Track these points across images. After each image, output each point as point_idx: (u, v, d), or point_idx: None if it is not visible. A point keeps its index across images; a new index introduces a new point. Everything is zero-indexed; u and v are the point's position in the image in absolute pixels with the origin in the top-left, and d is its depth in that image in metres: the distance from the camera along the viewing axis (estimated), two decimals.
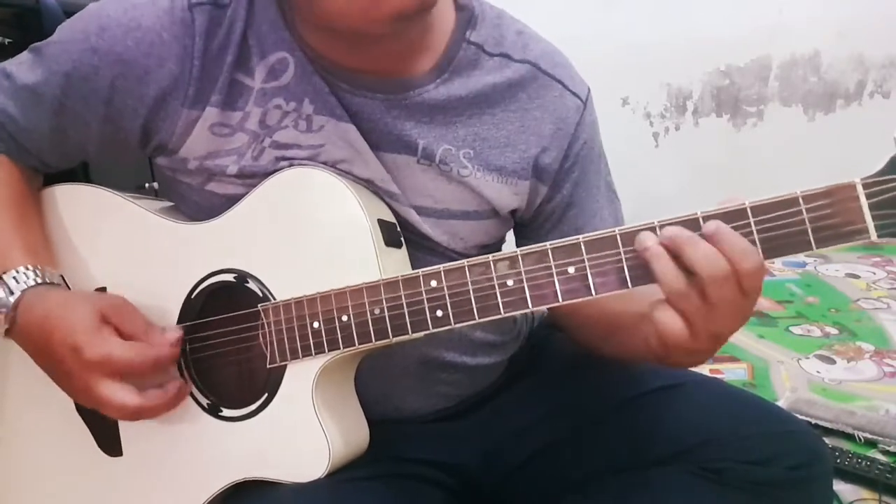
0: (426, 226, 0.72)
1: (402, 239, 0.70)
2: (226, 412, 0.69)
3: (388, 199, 0.71)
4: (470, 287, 0.60)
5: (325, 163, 0.70)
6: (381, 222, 0.67)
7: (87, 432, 0.73)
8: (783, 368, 1.57)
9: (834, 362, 1.59)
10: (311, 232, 0.67)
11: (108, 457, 0.72)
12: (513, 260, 0.59)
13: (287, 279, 0.67)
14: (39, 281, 0.67)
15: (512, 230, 0.82)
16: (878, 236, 0.50)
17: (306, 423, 0.65)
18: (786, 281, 2.12)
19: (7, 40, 1.14)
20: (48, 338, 0.64)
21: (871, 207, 0.50)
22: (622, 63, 2.28)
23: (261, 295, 0.68)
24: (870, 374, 1.53)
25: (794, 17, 2.25)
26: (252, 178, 0.70)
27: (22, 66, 0.72)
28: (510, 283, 0.59)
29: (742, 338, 1.73)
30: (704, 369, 1.59)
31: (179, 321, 0.70)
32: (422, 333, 0.62)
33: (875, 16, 2.23)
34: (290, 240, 0.67)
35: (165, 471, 0.70)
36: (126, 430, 0.71)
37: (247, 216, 0.69)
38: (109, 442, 0.72)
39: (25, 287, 0.66)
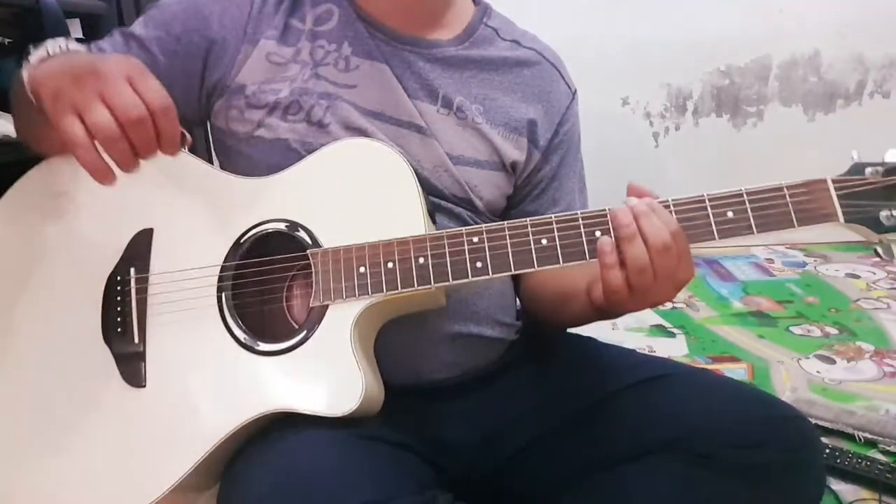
0: (450, 164, 0.81)
1: (435, 215, 0.77)
2: (262, 346, 0.71)
3: (418, 134, 0.81)
4: (508, 242, 0.68)
5: (356, 102, 0.79)
6: (425, 195, 0.74)
7: (112, 362, 0.73)
8: (783, 368, 1.57)
9: (834, 362, 1.59)
10: (363, 191, 0.73)
11: (131, 387, 0.72)
12: (547, 223, 0.68)
13: (336, 232, 0.72)
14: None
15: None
16: (845, 221, 0.66)
17: (343, 359, 0.68)
18: (786, 281, 2.12)
19: (7, 40, 1.14)
20: (77, 57, 0.65)
21: (840, 198, 0.65)
22: (622, 63, 2.28)
23: (310, 243, 0.73)
24: (870, 374, 1.53)
25: (794, 17, 2.25)
26: (303, 97, 0.78)
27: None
28: (544, 241, 0.68)
29: (742, 337, 1.73)
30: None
31: (226, 261, 0.74)
32: (462, 280, 0.69)
33: (875, 16, 2.23)
34: (342, 199, 0.73)
35: (191, 401, 0.71)
36: (152, 361, 0.73)
37: (301, 175, 0.75)
38: (133, 371, 0.73)
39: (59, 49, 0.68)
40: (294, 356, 0.70)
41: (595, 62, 2.19)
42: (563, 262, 0.68)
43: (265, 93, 0.79)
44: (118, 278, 0.76)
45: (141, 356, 0.73)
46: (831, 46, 2.28)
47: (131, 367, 0.73)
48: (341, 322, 0.70)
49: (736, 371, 1.56)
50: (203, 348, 0.72)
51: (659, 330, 1.82)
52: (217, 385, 0.71)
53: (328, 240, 0.72)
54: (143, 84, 0.61)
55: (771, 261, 2.29)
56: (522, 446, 0.82)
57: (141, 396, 0.72)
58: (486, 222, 0.84)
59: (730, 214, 0.67)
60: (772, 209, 0.66)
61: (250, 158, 0.80)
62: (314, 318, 0.71)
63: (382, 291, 0.69)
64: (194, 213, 0.76)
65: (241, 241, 0.75)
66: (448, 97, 0.82)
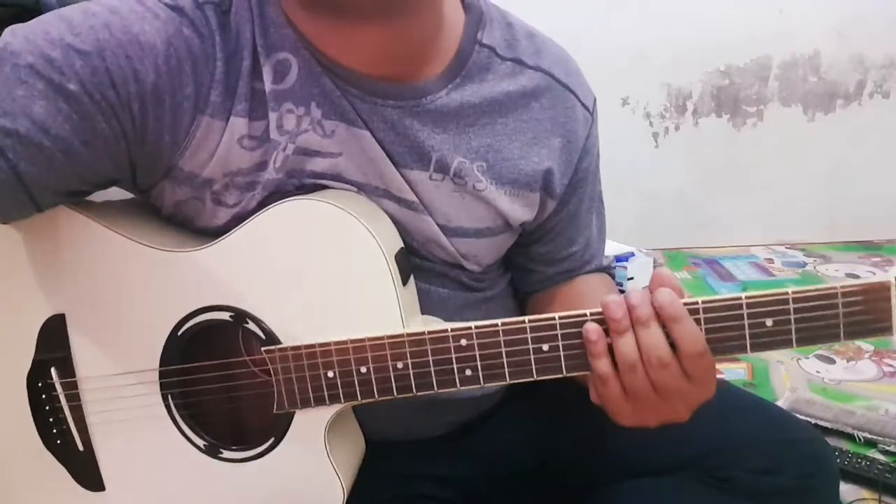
0: (444, 240, 0.69)
1: (411, 265, 0.67)
2: (227, 454, 0.65)
3: (408, 210, 0.67)
4: (504, 349, 0.58)
5: (343, 176, 0.65)
6: (396, 257, 0.62)
7: (63, 470, 0.68)
8: (783, 368, 1.57)
9: (834, 362, 1.59)
10: (321, 270, 0.61)
11: (90, 492, 0.68)
12: (550, 324, 0.57)
13: (292, 321, 0.61)
14: None
15: None
16: None
17: (318, 466, 0.63)
18: (786, 281, 2.12)
19: None
20: None
21: None
22: (622, 63, 2.28)
23: (264, 338, 0.62)
24: (869, 373, 1.53)
25: (794, 17, 2.24)
26: (286, 185, 0.63)
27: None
28: (545, 347, 0.57)
29: None
30: None
31: (163, 361, 0.64)
32: (449, 390, 0.59)
33: (875, 16, 2.23)
34: (295, 278, 0.61)
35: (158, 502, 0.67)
36: (105, 463, 0.67)
37: (244, 247, 0.62)
38: (88, 476, 0.67)
39: None
40: (266, 462, 0.64)
41: (595, 62, 2.18)
42: (567, 373, 0.58)
43: (239, 188, 0.63)
44: (39, 384, 0.66)
45: (91, 460, 0.67)
46: (831, 47, 2.28)
47: (85, 471, 0.67)
48: (312, 429, 0.63)
49: (735, 371, 1.56)
50: (161, 453, 0.65)
51: None
52: (183, 493, 0.66)
53: (284, 332, 0.61)
54: None
55: (771, 261, 2.29)
56: (533, 467, 0.79)
57: (104, 500, 0.67)
58: (482, 280, 0.77)
59: (769, 324, 0.55)
60: (818, 321, 0.54)
61: (198, 220, 0.65)
62: (281, 423, 0.63)
63: (357, 399, 0.60)
64: (116, 297, 0.63)
65: (179, 333, 0.63)
66: (442, 160, 0.67)
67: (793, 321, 0.55)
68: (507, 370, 0.58)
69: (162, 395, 0.64)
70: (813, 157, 2.33)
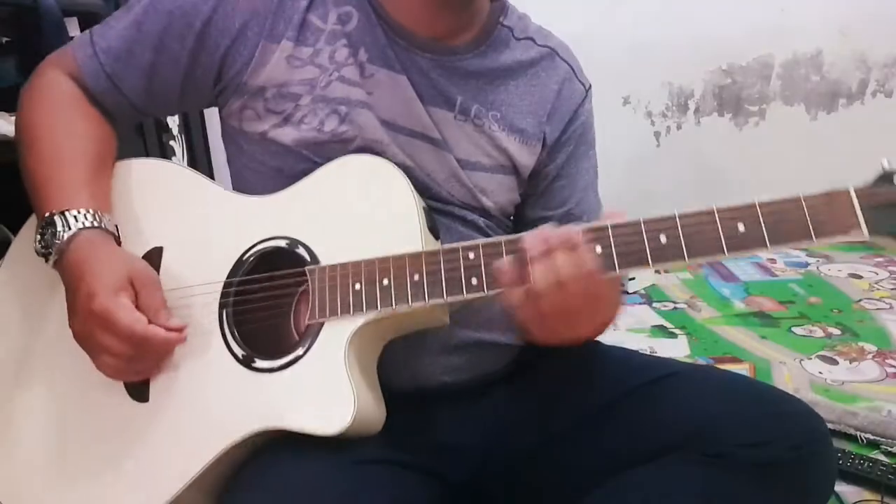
0: (462, 174, 0.80)
1: (438, 229, 0.77)
2: (259, 363, 0.71)
3: (431, 145, 0.79)
4: (505, 259, 0.65)
5: (375, 109, 0.78)
6: (426, 210, 0.74)
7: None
8: (785, 369, 1.56)
9: (836, 363, 1.58)
10: (362, 210, 0.74)
11: (136, 402, 0.73)
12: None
13: (336, 249, 0.72)
14: (96, 224, 0.73)
15: None
16: (870, 234, 0.60)
17: (336, 377, 0.68)
18: (788, 281, 2.12)
19: (5, 39, 1.14)
20: (79, 278, 0.69)
21: (863, 209, 0.60)
22: (624, 62, 2.27)
23: (309, 260, 0.73)
24: (872, 374, 1.53)
25: (796, 16, 2.24)
26: (319, 105, 0.77)
27: (125, 13, 0.80)
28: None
29: (744, 338, 1.73)
30: None
31: (229, 277, 0.74)
32: (456, 297, 0.67)
33: (877, 15, 2.22)
34: (342, 216, 0.74)
35: (189, 417, 0.71)
36: (157, 377, 0.73)
37: (303, 193, 0.76)
38: (138, 388, 0.73)
39: (82, 226, 0.72)
40: (289, 373, 0.69)
41: (596, 61, 2.17)
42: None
43: (284, 98, 0.77)
44: None
45: None
46: (833, 45, 2.28)
47: (136, 382, 0.73)
48: (336, 340, 0.69)
49: (738, 371, 1.56)
50: (203, 364, 0.72)
51: (660, 331, 1.81)
52: (214, 401, 0.71)
53: (327, 257, 0.72)
54: (115, 322, 0.67)
55: (773, 261, 2.28)
56: (529, 451, 0.81)
57: (145, 411, 0.73)
58: (498, 226, 0.86)
59: (741, 228, 0.62)
60: (787, 222, 0.61)
61: (260, 161, 0.80)
62: (310, 335, 0.70)
63: (377, 308, 0.69)
64: (200, 232, 0.78)
65: (244, 258, 0.75)
66: (465, 105, 0.81)
67: (762, 223, 0.62)
68: None
69: (219, 304, 0.74)
70: (815, 157, 2.33)
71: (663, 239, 0.63)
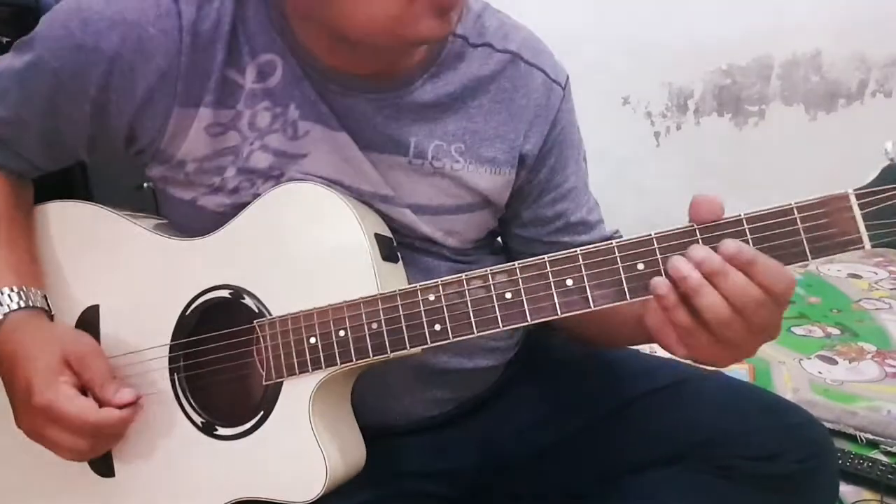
0: (422, 223, 0.72)
1: (399, 254, 0.70)
2: (220, 431, 0.68)
3: (382, 203, 0.71)
4: (468, 299, 0.61)
5: (311, 173, 0.69)
6: (378, 237, 0.67)
7: None
8: (785, 369, 1.56)
9: (836, 363, 1.58)
10: (307, 247, 0.67)
11: (100, 477, 0.71)
12: (510, 272, 0.60)
13: (284, 295, 0.66)
14: (22, 304, 0.67)
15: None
16: (872, 245, 0.52)
17: (303, 441, 0.64)
18: None
19: (5, 39, 1.14)
20: (13, 370, 0.64)
21: (865, 217, 0.52)
22: (623, 62, 2.27)
23: (257, 311, 0.67)
24: (872, 374, 1.53)
25: (795, 16, 2.24)
26: (249, 176, 0.69)
27: (9, 69, 0.69)
28: (508, 295, 0.60)
29: None
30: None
31: (174, 338, 0.69)
32: (419, 348, 0.62)
33: (877, 15, 2.22)
34: (286, 256, 0.67)
35: (159, 491, 0.69)
36: (119, 450, 0.70)
37: (242, 232, 0.69)
38: (100, 461, 0.70)
39: (8, 311, 0.66)
40: (255, 439, 0.66)
41: (596, 61, 2.18)
42: (531, 319, 0.60)
43: (207, 172, 0.69)
44: None
45: None
46: (833, 45, 2.27)
47: (99, 457, 0.70)
48: (298, 400, 0.65)
49: (737, 372, 1.56)
50: (164, 434, 0.69)
51: None
52: (182, 474, 0.68)
53: (275, 305, 0.66)
54: (62, 416, 0.62)
55: None
56: (530, 461, 0.79)
57: (112, 486, 0.70)
58: (467, 253, 0.79)
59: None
60: (779, 239, 0.53)
61: (194, 218, 0.72)
62: (270, 396, 0.66)
63: (336, 364, 0.64)
64: (136, 285, 0.71)
65: (187, 312, 0.70)
66: (420, 146, 0.71)
67: (750, 243, 0.54)
68: (473, 320, 0.61)
69: (169, 371, 0.69)
70: (815, 157, 2.33)
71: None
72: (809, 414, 0.76)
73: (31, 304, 0.67)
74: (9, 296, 0.66)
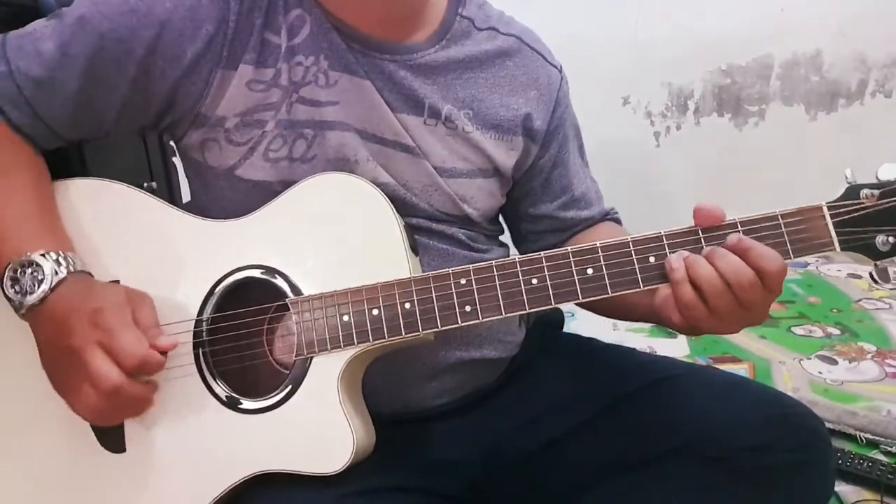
0: (441, 181, 0.77)
1: (417, 247, 0.74)
2: (245, 404, 0.68)
3: (404, 153, 0.76)
4: (497, 283, 0.66)
5: (344, 122, 0.73)
6: (406, 229, 0.71)
7: (88, 428, 0.70)
8: (785, 369, 1.56)
9: (836, 363, 1.58)
10: (342, 234, 0.70)
11: (110, 453, 0.70)
12: (536, 261, 0.66)
13: (316, 278, 0.68)
14: (72, 269, 0.65)
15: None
16: (841, 249, 0.65)
17: (332, 415, 0.66)
18: (787, 281, 2.11)
19: None
20: (74, 309, 0.63)
21: (835, 225, 0.64)
22: (623, 62, 2.27)
23: (289, 291, 0.69)
24: (871, 374, 1.53)
25: (795, 16, 2.24)
26: (287, 131, 0.72)
27: (47, 29, 0.69)
28: (534, 281, 0.66)
29: (743, 338, 1.73)
30: None
31: (200, 313, 0.70)
32: (451, 326, 0.66)
33: (877, 15, 2.22)
34: (320, 240, 0.70)
35: (173, 466, 0.68)
36: (131, 426, 0.69)
37: (276, 216, 0.71)
38: (112, 438, 0.69)
39: (63, 276, 0.64)
40: (281, 413, 0.67)
41: (596, 61, 2.18)
42: (556, 303, 0.66)
43: (249, 126, 0.72)
44: None
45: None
46: (833, 45, 2.27)
47: (109, 432, 0.69)
48: (327, 375, 0.67)
49: (737, 372, 1.56)
50: (183, 408, 0.68)
51: (660, 330, 1.81)
52: (201, 447, 0.68)
53: (308, 285, 0.68)
54: (119, 345, 0.62)
55: None
56: (528, 455, 0.80)
57: (122, 463, 0.69)
58: (482, 234, 0.84)
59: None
60: (766, 240, 0.64)
61: (230, 198, 0.74)
62: (298, 371, 0.67)
63: (369, 340, 0.66)
64: (163, 263, 0.71)
65: (215, 290, 0.70)
66: (434, 107, 0.76)
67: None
68: (501, 302, 0.66)
69: (193, 345, 0.69)
70: (815, 157, 2.33)
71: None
72: (805, 406, 0.76)
73: (78, 269, 0.67)
74: (56, 261, 0.65)
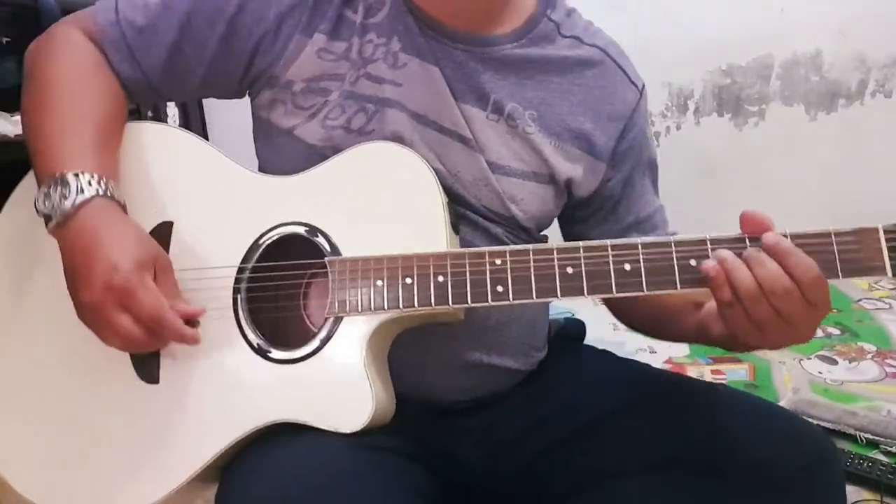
0: (492, 178, 0.77)
1: (459, 227, 0.75)
2: (274, 354, 0.70)
3: (460, 143, 0.76)
4: (532, 266, 0.65)
5: (404, 104, 0.75)
6: (449, 206, 0.72)
7: (126, 357, 0.72)
8: (785, 369, 1.56)
9: (836, 363, 1.58)
10: (387, 202, 0.71)
11: (144, 383, 0.72)
12: (574, 249, 0.65)
13: (356, 240, 0.71)
14: (109, 193, 0.68)
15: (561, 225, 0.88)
16: (893, 275, 0.62)
17: (354, 376, 0.67)
18: None
19: (5, 39, 1.14)
20: (95, 247, 0.65)
21: (890, 250, 0.61)
22: None
23: (329, 250, 0.71)
24: (871, 374, 1.53)
25: (795, 16, 2.24)
26: (348, 101, 0.75)
27: None
28: (569, 270, 0.65)
29: None
30: (706, 370, 1.59)
31: (243, 262, 0.73)
32: (481, 304, 0.66)
33: (877, 15, 2.22)
34: (363, 204, 0.72)
35: (202, 403, 0.71)
36: (167, 359, 0.72)
37: (325, 178, 0.74)
38: (148, 369, 0.72)
39: (96, 193, 0.67)
40: (306, 366, 0.69)
41: None
42: (588, 294, 0.65)
43: (314, 92, 0.76)
44: None
45: (155, 352, 0.71)
46: (833, 45, 2.27)
47: (146, 363, 0.72)
48: (355, 337, 0.69)
49: (737, 371, 1.56)
50: (216, 349, 0.71)
51: None
52: (229, 388, 0.70)
53: (347, 247, 0.71)
54: (137, 303, 0.64)
55: None
56: (530, 459, 0.80)
57: (154, 393, 0.71)
58: (528, 240, 0.82)
59: None
60: (816, 256, 0.61)
61: (286, 156, 0.78)
62: (328, 329, 0.69)
63: (399, 307, 0.68)
64: (214, 209, 0.75)
65: (260, 242, 0.73)
66: (499, 102, 0.77)
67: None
68: (534, 286, 0.65)
69: (234, 290, 0.72)
70: (815, 157, 2.33)
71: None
72: (813, 425, 0.75)
73: (115, 197, 0.69)
74: (99, 181, 0.68)
